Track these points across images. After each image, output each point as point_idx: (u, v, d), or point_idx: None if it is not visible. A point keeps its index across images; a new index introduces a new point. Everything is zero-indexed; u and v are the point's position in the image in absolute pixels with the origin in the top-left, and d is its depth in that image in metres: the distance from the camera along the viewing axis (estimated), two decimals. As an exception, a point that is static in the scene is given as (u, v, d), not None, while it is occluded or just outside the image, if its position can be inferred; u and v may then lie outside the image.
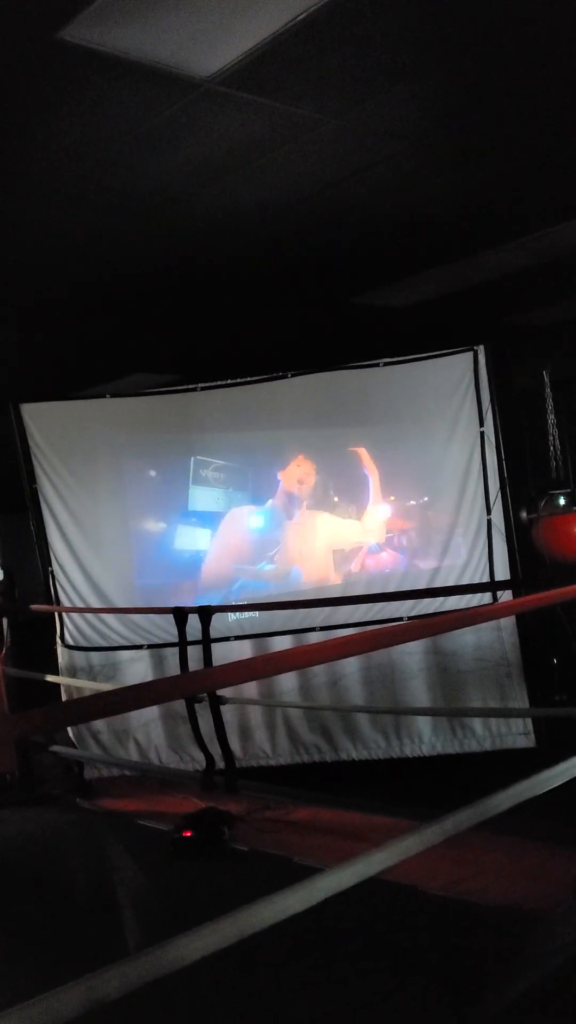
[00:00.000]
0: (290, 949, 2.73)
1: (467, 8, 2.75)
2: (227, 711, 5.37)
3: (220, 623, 5.90)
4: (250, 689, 6.09)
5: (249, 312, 5.95)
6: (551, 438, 6.96)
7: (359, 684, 6.27)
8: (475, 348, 6.19)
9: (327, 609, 6.09)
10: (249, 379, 6.38)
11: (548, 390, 6.95)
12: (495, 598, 5.97)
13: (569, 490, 6.71)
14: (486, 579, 6.17)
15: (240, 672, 2.09)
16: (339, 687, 6.27)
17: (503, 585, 6.06)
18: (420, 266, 5.32)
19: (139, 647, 6.25)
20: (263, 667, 2.78)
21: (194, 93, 3.06)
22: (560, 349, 7.12)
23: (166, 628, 5.85)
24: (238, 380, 6.38)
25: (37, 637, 6.17)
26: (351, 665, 6.20)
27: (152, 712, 6.10)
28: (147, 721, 6.15)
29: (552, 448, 6.94)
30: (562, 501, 6.57)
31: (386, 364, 6.28)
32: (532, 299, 6.32)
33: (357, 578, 6.45)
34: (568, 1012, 2.36)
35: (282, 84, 3.07)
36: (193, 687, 3.44)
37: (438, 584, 6.22)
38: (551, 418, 6.97)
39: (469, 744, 6.15)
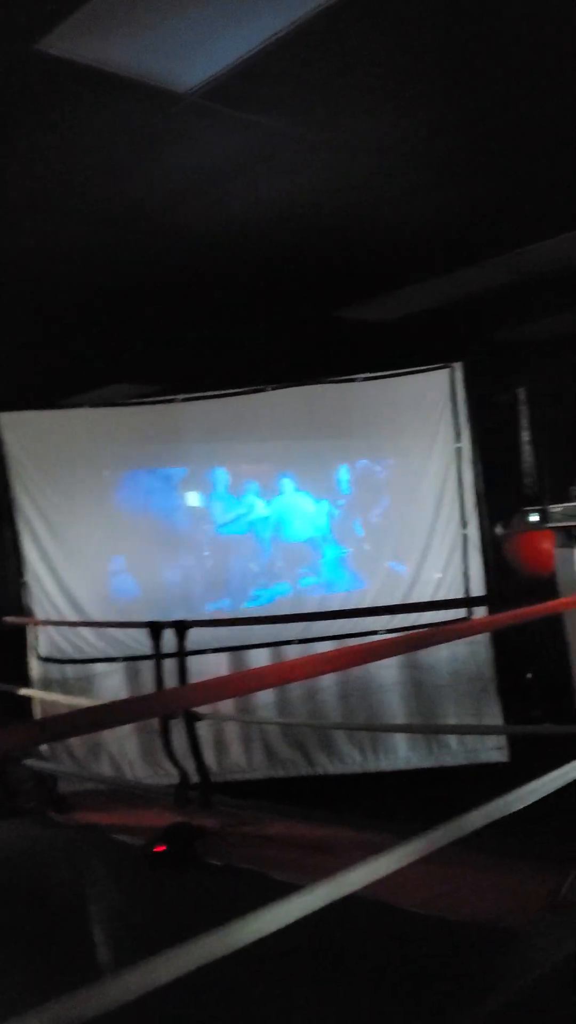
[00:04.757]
0: (262, 968, 2.70)
1: (453, 25, 2.76)
2: (202, 724, 5.33)
3: (195, 634, 5.87)
4: (226, 703, 6.05)
5: (230, 324, 5.96)
6: (525, 454, 7.00)
7: (336, 697, 6.26)
8: (452, 365, 6.24)
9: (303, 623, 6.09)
10: (229, 391, 6.38)
11: (523, 407, 7.00)
12: (470, 613, 5.99)
13: (542, 507, 6.73)
14: (462, 593, 6.19)
15: (217, 690, 2.08)
16: (316, 700, 6.26)
17: (478, 601, 6.08)
18: (399, 282, 5.35)
19: (114, 660, 6.21)
20: (241, 685, 2.76)
21: (176, 106, 3.06)
22: (536, 366, 7.17)
23: (141, 641, 5.81)
24: (218, 392, 6.38)
25: (10, 648, 6.11)
26: (328, 678, 6.19)
27: (126, 726, 6.05)
28: (121, 735, 6.11)
29: (526, 464, 6.99)
30: (535, 518, 6.60)
31: (364, 379, 6.31)
32: (509, 316, 6.37)
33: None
34: (543, 1029, 2.35)
35: (265, 98, 3.07)
36: (171, 705, 3.41)
37: (414, 598, 6.24)
38: (525, 435, 7.02)
39: (444, 759, 6.15)
